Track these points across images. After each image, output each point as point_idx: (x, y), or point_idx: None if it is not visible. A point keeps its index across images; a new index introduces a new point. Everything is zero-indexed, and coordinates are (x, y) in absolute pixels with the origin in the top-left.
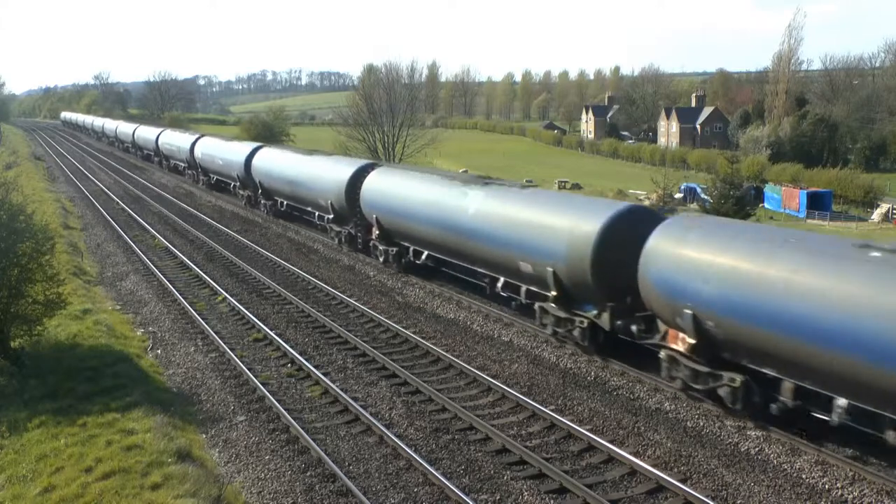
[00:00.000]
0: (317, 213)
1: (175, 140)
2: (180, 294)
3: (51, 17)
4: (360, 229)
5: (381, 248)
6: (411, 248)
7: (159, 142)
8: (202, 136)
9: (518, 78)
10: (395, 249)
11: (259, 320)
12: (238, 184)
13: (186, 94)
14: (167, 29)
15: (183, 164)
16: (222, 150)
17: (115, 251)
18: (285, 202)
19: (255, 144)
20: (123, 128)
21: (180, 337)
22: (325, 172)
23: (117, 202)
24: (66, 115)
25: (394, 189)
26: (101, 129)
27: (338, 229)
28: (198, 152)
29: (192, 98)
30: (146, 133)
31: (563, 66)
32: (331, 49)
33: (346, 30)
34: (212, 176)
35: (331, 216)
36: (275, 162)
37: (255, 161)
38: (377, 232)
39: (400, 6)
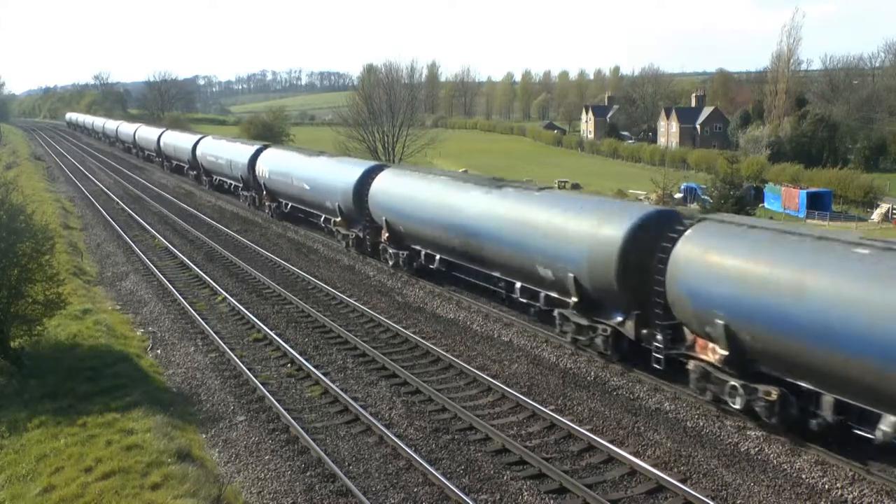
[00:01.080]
0: (518, 285)
1: (223, 151)
2: (180, 294)
3: (51, 17)
4: (663, 334)
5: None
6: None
7: (198, 152)
8: (265, 147)
9: (518, 78)
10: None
11: (259, 320)
12: (338, 219)
13: (186, 94)
14: (167, 29)
15: (234, 183)
16: (308, 170)
17: (115, 251)
18: (438, 256)
19: (367, 164)
20: (145, 133)
21: (180, 337)
22: (556, 221)
23: (117, 202)
24: (72, 116)
25: (756, 263)
26: (114, 134)
27: (584, 323)
28: (262, 171)
29: (192, 98)
30: (177, 140)
31: (563, 66)
32: (331, 49)
33: (346, 30)
34: (284, 202)
35: (571, 299)
36: (422, 196)
37: (377, 191)
38: (715, 350)
39: (400, 6)
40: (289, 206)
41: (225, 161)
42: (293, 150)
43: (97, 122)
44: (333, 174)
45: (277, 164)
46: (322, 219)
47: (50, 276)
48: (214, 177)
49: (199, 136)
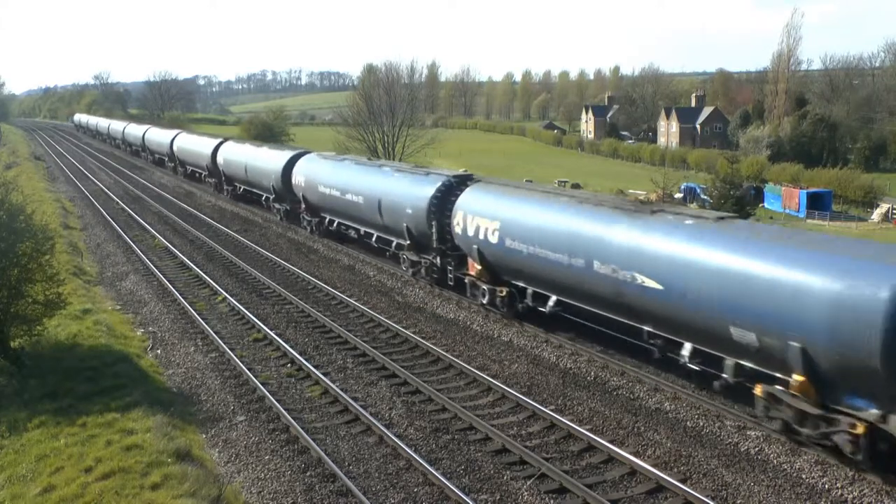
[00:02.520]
0: None
1: (350, 181)
2: (180, 294)
3: (51, 17)
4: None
5: None
6: None
7: (295, 179)
8: (464, 181)
9: (518, 78)
10: None
11: (259, 320)
12: (762, 355)
13: (186, 94)
14: (167, 29)
15: (379, 234)
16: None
17: (115, 251)
18: None
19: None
20: (189, 143)
21: (180, 337)
22: None
23: (117, 202)
24: (81, 118)
25: None
26: (139, 141)
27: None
28: (476, 228)
29: (192, 98)
30: (249, 157)
31: (563, 66)
32: (331, 49)
33: (346, 30)
34: (534, 291)
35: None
36: None
37: None
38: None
39: (400, 6)
40: (531, 297)
41: (362, 199)
42: (567, 196)
43: (114, 125)
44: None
45: (529, 219)
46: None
47: (50, 276)
48: (330, 217)
49: (291, 153)
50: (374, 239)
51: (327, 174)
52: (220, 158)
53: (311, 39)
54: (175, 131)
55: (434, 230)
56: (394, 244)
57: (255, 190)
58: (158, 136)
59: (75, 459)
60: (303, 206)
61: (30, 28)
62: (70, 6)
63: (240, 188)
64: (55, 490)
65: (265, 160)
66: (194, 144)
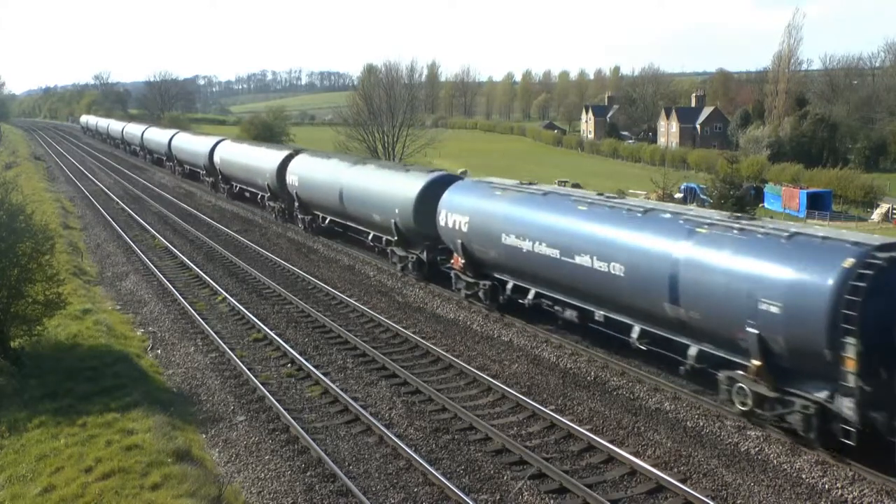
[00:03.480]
0: None
1: (624, 239)
2: (180, 294)
3: (51, 17)
4: None
5: None
6: None
7: (450, 219)
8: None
9: (518, 78)
10: None
11: (259, 320)
12: None
13: (186, 94)
14: (167, 29)
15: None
16: None
17: (115, 251)
18: None
19: None
20: (234, 154)
21: (180, 337)
22: None
23: (117, 202)
24: (89, 119)
25: None
26: (162, 149)
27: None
28: None
29: (192, 98)
30: (342, 177)
31: (563, 66)
32: (331, 49)
33: (346, 30)
34: None
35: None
36: None
37: None
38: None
39: (400, 6)
40: None
41: (623, 271)
42: None
43: (130, 129)
44: None
45: None
46: None
47: (50, 276)
48: (516, 283)
49: (428, 176)
50: (635, 334)
51: (522, 217)
52: (290, 178)
53: (311, 39)
54: (215, 139)
55: (854, 353)
56: (693, 352)
57: (352, 224)
58: (190, 143)
59: (75, 459)
60: (461, 260)
61: (30, 28)
62: (70, 6)
63: (323, 218)
64: (55, 490)
65: (378, 185)
66: (247, 157)
